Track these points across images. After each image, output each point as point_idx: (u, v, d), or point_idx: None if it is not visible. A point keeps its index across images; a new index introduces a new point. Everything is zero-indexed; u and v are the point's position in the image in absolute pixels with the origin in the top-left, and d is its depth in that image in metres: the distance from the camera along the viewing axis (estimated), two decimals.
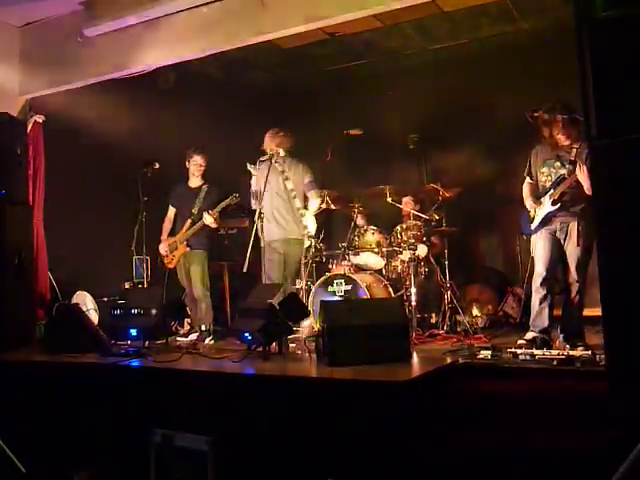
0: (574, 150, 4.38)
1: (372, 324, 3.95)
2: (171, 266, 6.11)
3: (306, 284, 5.66)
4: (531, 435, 3.18)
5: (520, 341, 4.33)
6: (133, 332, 4.91)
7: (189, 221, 6.01)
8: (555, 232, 4.49)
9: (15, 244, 5.44)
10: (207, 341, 5.59)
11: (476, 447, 3.21)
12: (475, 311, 6.18)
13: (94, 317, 5.85)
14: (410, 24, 6.58)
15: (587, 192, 4.15)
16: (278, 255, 5.62)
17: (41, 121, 6.02)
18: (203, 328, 5.74)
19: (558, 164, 4.49)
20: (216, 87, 7.61)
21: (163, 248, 6.11)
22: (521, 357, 3.78)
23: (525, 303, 5.83)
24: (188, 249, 5.95)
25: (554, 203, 4.44)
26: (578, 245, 4.34)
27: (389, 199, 6.10)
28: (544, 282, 4.45)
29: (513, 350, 3.90)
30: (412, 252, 5.74)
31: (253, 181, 5.76)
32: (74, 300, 5.95)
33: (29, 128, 5.94)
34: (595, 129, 2.69)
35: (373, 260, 5.91)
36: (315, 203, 5.73)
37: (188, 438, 3.62)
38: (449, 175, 7.17)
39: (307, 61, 7.54)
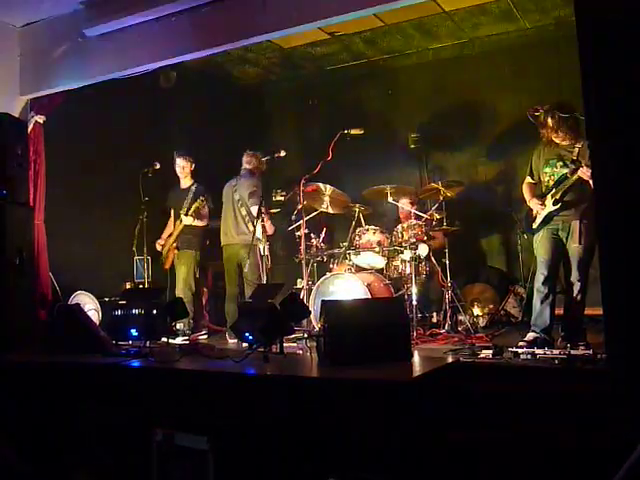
0: (576, 149, 4.37)
1: (373, 324, 3.94)
2: (166, 266, 6.20)
3: (307, 284, 5.67)
4: (532, 434, 3.18)
5: (520, 342, 4.32)
6: (134, 332, 4.91)
7: (177, 222, 6.11)
8: (557, 231, 4.49)
9: (16, 244, 5.44)
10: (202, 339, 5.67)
11: (477, 447, 3.21)
12: (476, 310, 6.17)
13: (95, 317, 5.85)
14: (411, 23, 6.58)
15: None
16: None
17: (42, 121, 6.00)
18: (179, 327, 5.75)
19: (560, 163, 4.49)
20: (216, 86, 7.61)
21: (159, 243, 6.29)
22: (522, 356, 3.78)
23: (526, 302, 5.83)
24: (176, 250, 6.05)
25: (555, 203, 4.44)
26: (580, 244, 4.34)
27: (390, 199, 6.10)
28: (545, 282, 4.45)
29: (514, 350, 3.90)
30: (413, 251, 5.74)
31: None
32: (73, 300, 5.95)
33: (30, 128, 5.93)
34: (596, 128, 2.68)
35: (374, 260, 5.91)
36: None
37: (189, 437, 3.62)
38: (450, 174, 7.17)
39: (307, 60, 7.54)
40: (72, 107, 6.05)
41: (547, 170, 4.58)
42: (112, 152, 6.55)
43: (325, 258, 6.13)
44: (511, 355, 3.86)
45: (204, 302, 7.01)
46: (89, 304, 6.01)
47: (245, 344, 4.71)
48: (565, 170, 4.43)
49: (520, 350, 3.86)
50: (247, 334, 4.46)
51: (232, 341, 5.65)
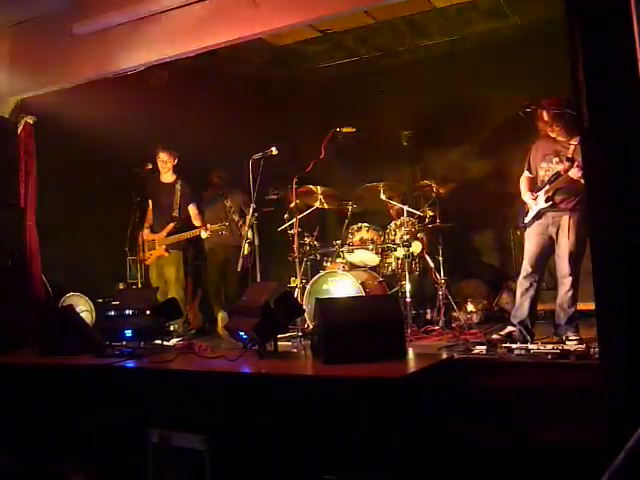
0: (572, 147, 4.39)
1: (367, 321, 3.95)
2: (147, 263, 6.15)
3: (301, 282, 5.66)
4: (527, 429, 3.20)
5: (494, 335, 4.41)
6: (128, 333, 4.90)
7: (171, 225, 6.02)
8: (547, 227, 4.51)
9: (8, 246, 5.43)
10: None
11: (473, 442, 3.22)
12: (470, 307, 6.18)
13: (88, 318, 5.83)
14: (402, 20, 6.58)
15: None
16: None
17: (32, 122, 5.97)
18: (172, 328, 5.73)
19: (557, 159, 4.52)
20: (207, 84, 7.58)
21: (146, 234, 6.20)
22: (516, 352, 3.80)
23: None
24: (167, 254, 6.00)
25: (547, 200, 4.47)
26: (569, 238, 4.36)
27: (382, 196, 6.10)
28: (528, 276, 4.52)
29: (508, 345, 3.92)
30: (406, 249, 5.75)
31: None
32: (65, 302, 5.94)
33: (20, 129, 5.90)
34: (587, 123, 2.69)
35: (367, 257, 5.92)
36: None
37: (185, 437, 3.62)
38: (443, 171, 7.17)
39: (299, 58, 7.53)
40: (63, 106, 6.01)
41: (544, 165, 4.61)
42: (104, 153, 6.52)
43: (318, 256, 6.13)
44: (505, 351, 3.88)
45: (197, 302, 7.00)
46: (82, 305, 6.00)
47: (240, 343, 4.70)
48: (560, 167, 4.46)
49: (514, 345, 3.88)
50: (241, 333, 4.45)
51: (226, 340, 5.64)
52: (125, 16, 5.30)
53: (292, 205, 5.86)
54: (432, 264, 5.94)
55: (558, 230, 4.45)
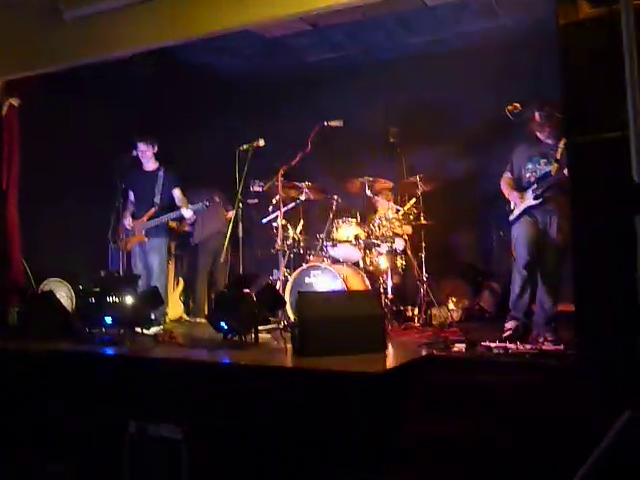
0: (560, 149, 4.43)
1: (348, 315, 3.96)
2: (128, 248, 6.11)
3: (283, 275, 5.66)
4: (503, 427, 3.22)
5: (505, 335, 4.40)
6: (108, 320, 4.87)
7: (152, 209, 5.98)
8: (537, 220, 4.57)
9: None
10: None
11: (449, 438, 3.25)
12: (451, 305, 6.22)
13: (67, 304, 5.79)
14: (392, 17, 6.57)
15: None
16: None
17: (17, 105, 5.89)
18: (153, 317, 5.68)
19: (544, 161, 4.56)
20: (194, 74, 7.53)
21: (128, 222, 6.11)
22: (495, 351, 3.83)
23: (501, 297, 5.90)
24: (146, 239, 5.95)
25: (536, 197, 4.51)
26: (556, 237, 4.41)
27: (367, 191, 6.11)
28: (527, 265, 4.52)
29: (487, 344, 3.95)
30: (390, 245, 5.75)
31: None
32: (45, 287, 5.88)
33: (4, 111, 5.82)
34: (574, 126, 2.72)
35: (351, 252, 5.92)
36: None
37: (162, 427, 3.60)
38: (428, 169, 7.19)
39: (288, 51, 7.50)
40: (48, 90, 5.94)
41: (529, 166, 4.65)
42: (89, 138, 6.46)
43: (302, 250, 6.12)
44: (483, 349, 3.91)
45: (177, 291, 6.98)
46: (62, 291, 5.95)
47: (220, 333, 4.69)
48: (548, 168, 4.50)
49: (492, 344, 3.91)
50: (222, 323, 4.45)
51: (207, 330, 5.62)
52: (116, 1, 5.24)
53: (277, 198, 5.86)
54: (415, 261, 5.96)
55: (548, 227, 4.50)
